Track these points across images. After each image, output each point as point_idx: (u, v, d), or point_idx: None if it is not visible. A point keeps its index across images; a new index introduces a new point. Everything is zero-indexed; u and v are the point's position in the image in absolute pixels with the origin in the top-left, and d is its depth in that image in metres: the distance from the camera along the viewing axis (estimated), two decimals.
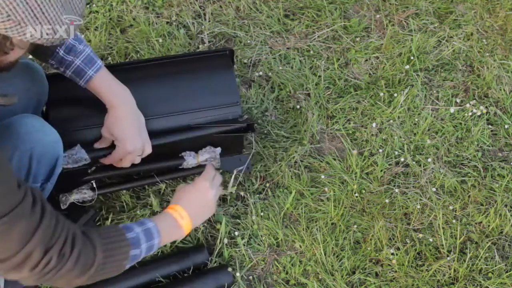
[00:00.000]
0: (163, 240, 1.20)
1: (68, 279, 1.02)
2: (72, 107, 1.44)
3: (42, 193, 1.05)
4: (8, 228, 0.90)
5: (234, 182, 1.58)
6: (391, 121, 1.82)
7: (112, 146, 1.38)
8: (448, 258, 1.58)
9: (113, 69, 1.36)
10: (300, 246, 1.58)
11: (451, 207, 1.68)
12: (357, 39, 2.01)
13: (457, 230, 1.62)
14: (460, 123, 1.85)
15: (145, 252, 1.15)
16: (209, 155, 1.53)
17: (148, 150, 1.40)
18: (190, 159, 1.53)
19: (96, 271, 1.04)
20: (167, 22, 2.01)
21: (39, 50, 1.28)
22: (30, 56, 1.47)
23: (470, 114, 1.86)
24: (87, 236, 1.04)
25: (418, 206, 1.66)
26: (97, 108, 1.44)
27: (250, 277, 1.54)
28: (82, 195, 1.48)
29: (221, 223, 1.58)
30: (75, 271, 1.00)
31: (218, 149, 1.53)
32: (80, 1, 0.86)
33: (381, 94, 1.87)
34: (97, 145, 1.41)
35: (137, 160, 1.40)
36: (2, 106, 0.94)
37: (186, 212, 1.25)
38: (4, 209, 0.89)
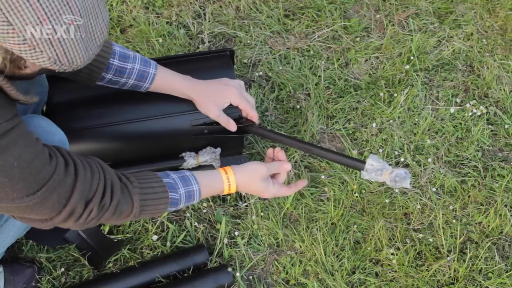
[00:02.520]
0: (203, 190, 1.25)
1: (107, 223, 1.14)
2: (73, 107, 1.43)
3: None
4: (48, 195, 0.97)
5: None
6: (391, 121, 1.82)
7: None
8: (448, 258, 1.58)
9: None
10: (300, 246, 1.58)
11: (451, 207, 1.68)
12: (357, 39, 2.01)
13: (457, 230, 1.62)
14: (460, 123, 1.85)
15: (184, 199, 1.21)
16: (209, 155, 1.53)
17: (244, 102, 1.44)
18: (190, 160, 1.53)
19: (134, 218, 1.13)
20: (167, 22, 2.01)
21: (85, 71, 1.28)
22: None
23: (470, 114, 1.86)
24: (125, 184, 1.11)
25: (418, 206, 1.66)
26: (97, 107, 1.44)
27: (250, 277, 1.54)
28: None
29: (221, 223, 1.58)
30: (113, 218, 1.09)
31: (218, 150, 1.53)
32: (99, 38, 0.87)
33: (381, 94, 1.87)
34: (232, 128, 1.44)
35: (251, 101, 1.46)
36: (22, 104, 0.96)
37: (235, 183, 1.29)
38: (42, 181, 0.95)
